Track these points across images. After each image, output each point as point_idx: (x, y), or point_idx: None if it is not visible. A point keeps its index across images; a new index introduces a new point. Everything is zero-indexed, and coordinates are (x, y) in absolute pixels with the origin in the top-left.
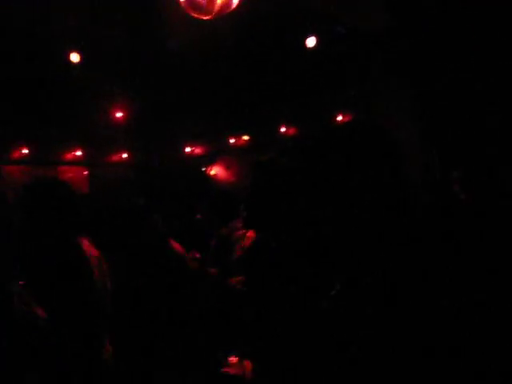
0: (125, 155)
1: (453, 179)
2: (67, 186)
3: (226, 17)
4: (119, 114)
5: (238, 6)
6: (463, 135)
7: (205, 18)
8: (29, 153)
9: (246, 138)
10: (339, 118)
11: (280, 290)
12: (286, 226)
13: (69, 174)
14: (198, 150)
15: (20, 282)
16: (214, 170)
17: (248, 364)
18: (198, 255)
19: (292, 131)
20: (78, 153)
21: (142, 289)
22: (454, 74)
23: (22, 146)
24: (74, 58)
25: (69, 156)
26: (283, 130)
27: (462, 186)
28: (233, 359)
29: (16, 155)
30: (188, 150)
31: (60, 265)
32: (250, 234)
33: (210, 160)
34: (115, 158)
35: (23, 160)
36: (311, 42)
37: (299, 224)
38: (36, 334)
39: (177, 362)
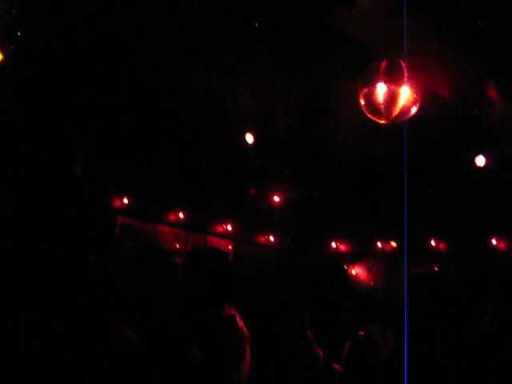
0: (271, 238)
1: None
2: (229, 259)
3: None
4: (276, 198)
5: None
6: None
7: (380, 121)
8: (184, 218)
9: (393, 244)
10: (493, 241)
11: None
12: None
13: (215, 245)
14: (342, 247)
15: None
16: (356, 270)
17: None
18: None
19: (442, 247)
20: (229, 227)
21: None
22: None
23: (179, 211)
24: (249, 138)
25: (219, 228)
26: (433, 243)
27: None
28: None
29: (172, 218)
30: (333, 245)
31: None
32: None
33: (353, 259)
34: (262, 239)
35: (177, 223)
36: (480, 160)
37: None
38: None
39: None
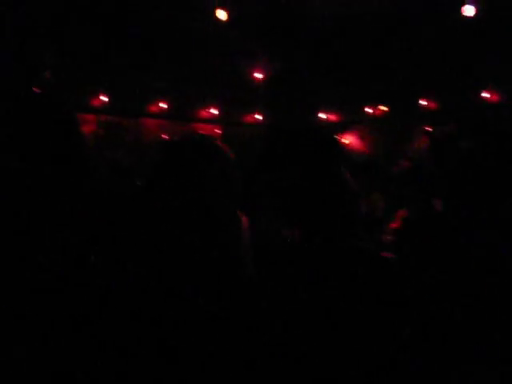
0: (259, 116)
1: None
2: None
3: None
4: (258, 75)
5: None
6: None
7: None
8: (167, 108)
9: (382, 108)
10: (484, 94)
11: None
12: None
13: (202, 131)
14: (331, 117)
15: None
16: (348, 139)
17: None
18: None
19: (432, 105)
20: (214, 111)
21: None
22: None
23: (162, 101)
24: (221, 15)
25: (204, 114)
26: (423, 102)
27: None
28: None
29: (154, 109)
30: (322, 116)
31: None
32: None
33: (343, 128)
34: (249, 118)
35: (161, 114)
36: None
37: None
38: None
39: None
